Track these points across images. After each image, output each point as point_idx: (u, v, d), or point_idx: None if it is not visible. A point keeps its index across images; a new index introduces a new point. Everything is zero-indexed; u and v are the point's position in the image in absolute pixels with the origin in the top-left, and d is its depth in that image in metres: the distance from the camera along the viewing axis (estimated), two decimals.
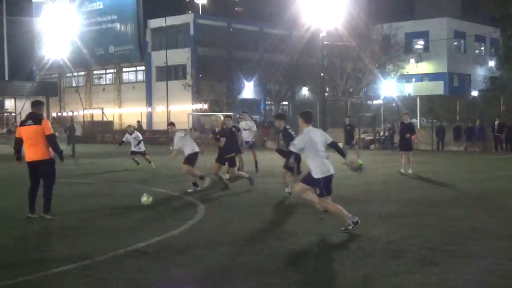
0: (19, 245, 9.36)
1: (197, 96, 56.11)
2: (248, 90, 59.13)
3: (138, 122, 49.28)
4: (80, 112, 59.36)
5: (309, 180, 9.66)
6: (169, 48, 58.65)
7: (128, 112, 60.69)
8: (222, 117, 15.88)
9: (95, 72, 68.00)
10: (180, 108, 53.69)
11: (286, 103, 57.32)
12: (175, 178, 18.56)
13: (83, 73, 68.06)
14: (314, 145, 9.42)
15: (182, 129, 18.20)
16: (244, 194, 14.81)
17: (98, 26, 65.62)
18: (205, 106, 52.76)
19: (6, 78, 64.81)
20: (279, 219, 11.51)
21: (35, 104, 11.55)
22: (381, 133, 39.59)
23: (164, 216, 11.71)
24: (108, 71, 67.07)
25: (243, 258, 8.17)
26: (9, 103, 64.78)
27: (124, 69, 65.95)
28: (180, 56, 58.65)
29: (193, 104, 55.10)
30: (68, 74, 67.82)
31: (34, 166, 11.13)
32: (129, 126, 25.18)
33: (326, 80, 48.84)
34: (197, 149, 15.12)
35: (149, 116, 61.08)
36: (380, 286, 6.70)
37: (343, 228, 9.30)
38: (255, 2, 64.31)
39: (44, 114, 13.61)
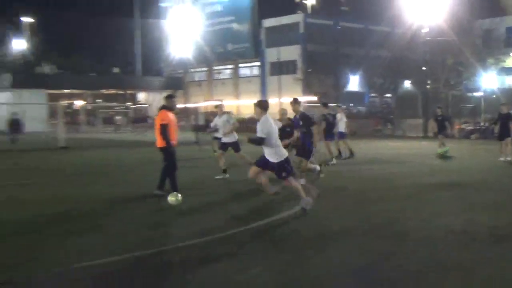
0: (160, 220, 9.35)
1: (307, 88, 56.81)
2: (354, 83, 60.30)
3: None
4: (201, 103, 62.88)
5: (263, 163, 9.59)
6: (281, 45, 60.70)
7: (244, 104, 62.14)
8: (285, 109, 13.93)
9: (215, 67, 70.50)
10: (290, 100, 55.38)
11: (389, 95, 57.49)
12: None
13: (204, 69, 70.91)
14: (274, 132, 9.45)
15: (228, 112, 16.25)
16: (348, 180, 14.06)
17: (217, 27, 68.16)
18: (315, 98, 54.03)
19: (139, 74, 68.71)
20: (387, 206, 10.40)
21: (168, 97, 12.17)
22: (482, 124, 38.74)
23: (273, 202, 10.75)
24: (226, 67, 69.40)
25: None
26: (141, 96, 68.44)
27: (240, 65, 67.97)
28: (291, 52, 60.29)
29: (303, 96, 56.72)
30: (191, 70, 71.28)
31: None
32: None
33: (428, 73, 49.23)
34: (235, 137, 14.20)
35: None
36: (485, 269, 6.31)
37: (301, 208, 9.28)
38: (360, 1, 64.88)
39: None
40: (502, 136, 18.83)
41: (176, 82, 69.81)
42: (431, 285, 5.87)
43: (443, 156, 19.98)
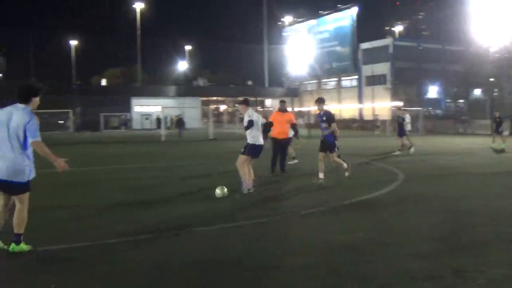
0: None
1: (394, 96, 56.02)
2: (433, 91, 58.56)
3: None
4: (312, 107, 63.32)
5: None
6: (374, 63, 60.34)
7: (345, 108, 62.56)
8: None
9: (322, 80, 70.38)
10: (382, 105, 54.96)
11: (462, 100, 55.32)
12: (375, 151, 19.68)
13: (315, 81, 70.92)
14: (256, 123, 8.99)
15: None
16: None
17: (325, 49, 67.86)
18: (401, 104, 53.11)
19: (266, 85, 70.53)
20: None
21: (281, 102, 12.33)
22: None
23: (374, 180, 10.58)
24: (331, 79, 68.92)
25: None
26: (268, 102, 69.91)
27: (342, 78, 67.21)
28: (382, 68, 59.57)
29: (391, 101, 55.89)
30: (305, 82, 71.95)
31: (278, 141, 11.49)
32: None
33: (495, 83, 46.85)
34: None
35: (360, 110, 62.70)
36: None
37: (245, 191, 8.66)
38: (437, 26, 62.77)
39: (289, 109, 13.91)
40: None
41: (293, 92, 70.59)
42: None
43: (497, 150, 18.79)
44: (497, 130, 20.38)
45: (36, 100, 5.17)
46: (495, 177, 11.55)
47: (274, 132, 11.12)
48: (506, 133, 20.93)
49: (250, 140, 8.93)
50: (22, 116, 4.94)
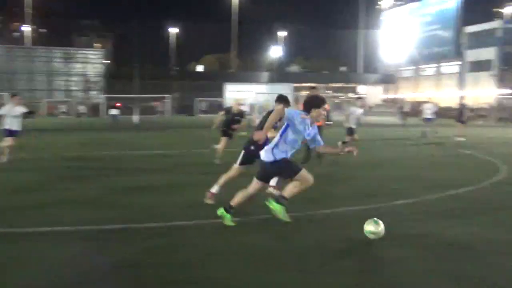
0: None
1: (501, 83, 52.40)
2: None
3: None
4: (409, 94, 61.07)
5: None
6: (480, 47, 56.53)
7: (445, 96, 59.39)
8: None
9: (420, 66, 67.46)
10: (485, 93, 51.41)
11: None
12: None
13: (413, 67, 68.31)
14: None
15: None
16: None
17: (426, 33, 65.05)
18: (510, 91, 49.24)
19: (360, 71, 68.84)
20: None
21: (311, 88, 11.51)
22: None
23: (474, 171, 10.43)
24: (430, 65, 65.81)
25: None
26: (361, 88, 67.81)
27: (442, 64, 64.14)
28: (489, 53, 55.90)
29: (497, 89, 52.07)
30: (402, 68, 69.46)
31: None
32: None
33: None
34: None
35: (460, 98, 59.07)
36: None
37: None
38: None
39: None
40: None
41: (389, 78, 68.31)
42: None
43: None
44: None
45: (317, 111, 5.58)
46: None
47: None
48: None
49: None
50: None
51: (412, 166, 11.47)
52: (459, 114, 20.05)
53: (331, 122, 11.87)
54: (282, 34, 71.89)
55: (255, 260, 4.55)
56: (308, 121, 5.52)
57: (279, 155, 5.49)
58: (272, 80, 60.50)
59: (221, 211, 5.72)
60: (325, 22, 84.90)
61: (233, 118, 11.15)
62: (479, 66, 57.12)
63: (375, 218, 5.19)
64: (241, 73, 63.97)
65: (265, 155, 5.57)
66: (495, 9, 61.20)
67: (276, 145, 5.52)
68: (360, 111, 13.07)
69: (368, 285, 4.01)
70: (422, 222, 5.95)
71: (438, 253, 4.79)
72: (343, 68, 72.91)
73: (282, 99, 6.92)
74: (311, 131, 5.56)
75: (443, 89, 61.32)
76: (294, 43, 74.44)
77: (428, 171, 10.60)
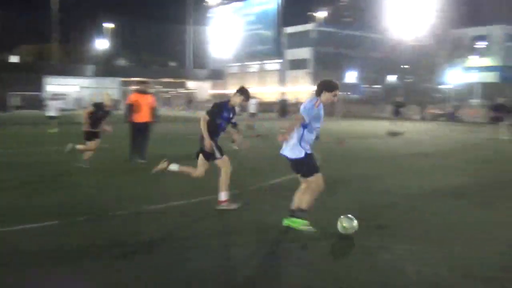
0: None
1: (315, 80, 56.95)
2: (351, 76, 60.35)
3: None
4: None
5: None
6: (297, 47, 61.27)
7: (268, 92, 62.35)
8: None
9: (246, 63, 69.86)
10: (303, 89, 55.76)
11: (378, 86, 57.56)
12: None
13: (239, 63, 70.58)
14: None
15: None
16: None
17: (250, 32, 67.67)
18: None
19: (189, 67, 68.74)
20: None
21: (141, 83, 11.14)
22: (448, 110, 38.67)
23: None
24: (255, 62, 68.63)
25: None
26: (191, 84, 68.28)
27: (265, 61, 67.27)
28: (305, 52, 60.85)
29: (312, 85, 56.86)
30: (229, 65, 71.38)
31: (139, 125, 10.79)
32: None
33: (408, 70, 49.30)
34: None
35: (281, 94, 63.00)
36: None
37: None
38: (359, 14, 64.73)
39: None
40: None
41: (217, 74, 69.93)
42: None
43: (393, 134, 19.80)
44: (395, 114, 21.55)
45: (327, 95, 5.55)
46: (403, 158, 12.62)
47: (135, 116, 10.46)
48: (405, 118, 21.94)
49: None
50: None
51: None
52: (281, 109, 20.94)
53: (159, 117, 11.56)
54: (108, 26, 68.73)
55: None
56: (321, 105, 5.47)
57: (307, 149, 5.43)
58: (98, 73, 57.50)
59: (291, 220, 5.50)
60: (155, 16, 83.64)
61: (102, 115, 9.87)
62: (297, 64, 61.83)
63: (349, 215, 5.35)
64: (63, 66, 59.39)
65: (292, 152, 5.41)
66: (309, 13, 67.26)
67: (302, 138, 5.39)
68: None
69: None
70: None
71: None
72: (172, 63, 72.64)
73: (243, 92, 6.53)
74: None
75: (267, 86, 64.73)
76: (122, 36, 71.84)
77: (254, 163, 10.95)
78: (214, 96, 65.95)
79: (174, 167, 6.55)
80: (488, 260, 4.63)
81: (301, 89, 56.91)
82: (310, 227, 5.41)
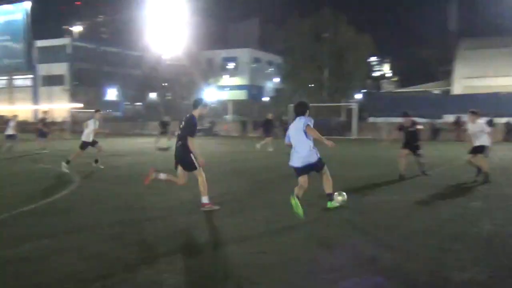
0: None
1: (74, 97, 54.56)
2: (112, 94, 59.50)
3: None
4: None
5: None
6: (51, 62, 57.65)
7: (20, 109, 57.42)
8: None
9: None
10: (60, 107, 52.16)
11: (140, 103, 58.01)
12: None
13: None
14: None
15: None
16: None
17: None
18: (81, 105, 51.88)
19: None
20: None
21: None
22: (206, 125, 40.20)
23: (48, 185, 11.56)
24: (2, 77, 62.56)
25: None
26: None
27: (15, 77, 61.93)
28: (60, 68, 57.72)
29: (70, 103, 54.07)
30: None
31: None
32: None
33: (168, 88, 50.95)
34: None
35: (35, 112, 58.47)
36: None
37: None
38: (118, 31, 64.45)
39: None
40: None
41: None
42: None
43: (163, 149, 20.55)
44: (163, 131, 23.14)
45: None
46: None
47: None
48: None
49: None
50: None
51: None
52: (40, 129, 20.66)
53: None
54: None
55: None
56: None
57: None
58: None
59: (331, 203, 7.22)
60: None
61: None
62: (52, 80, 58.13)
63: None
64: None
65: (311, 157, 6.88)
66: (65, 27, 63.92)
67: (313, 146, 6.89)
68: None
69: None
70: None
71: None
72: None
73: (201, 103, 7.42)
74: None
75: (17, 103, 59.31)
76: None
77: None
78: None
79: None
80: None
81: (57, 106, 53.28)
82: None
